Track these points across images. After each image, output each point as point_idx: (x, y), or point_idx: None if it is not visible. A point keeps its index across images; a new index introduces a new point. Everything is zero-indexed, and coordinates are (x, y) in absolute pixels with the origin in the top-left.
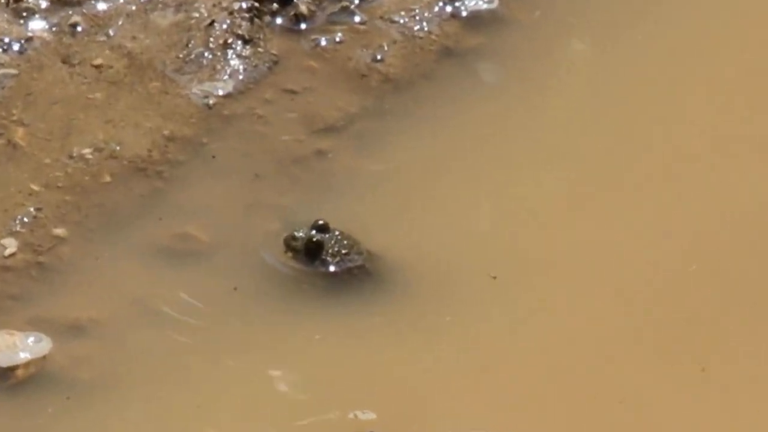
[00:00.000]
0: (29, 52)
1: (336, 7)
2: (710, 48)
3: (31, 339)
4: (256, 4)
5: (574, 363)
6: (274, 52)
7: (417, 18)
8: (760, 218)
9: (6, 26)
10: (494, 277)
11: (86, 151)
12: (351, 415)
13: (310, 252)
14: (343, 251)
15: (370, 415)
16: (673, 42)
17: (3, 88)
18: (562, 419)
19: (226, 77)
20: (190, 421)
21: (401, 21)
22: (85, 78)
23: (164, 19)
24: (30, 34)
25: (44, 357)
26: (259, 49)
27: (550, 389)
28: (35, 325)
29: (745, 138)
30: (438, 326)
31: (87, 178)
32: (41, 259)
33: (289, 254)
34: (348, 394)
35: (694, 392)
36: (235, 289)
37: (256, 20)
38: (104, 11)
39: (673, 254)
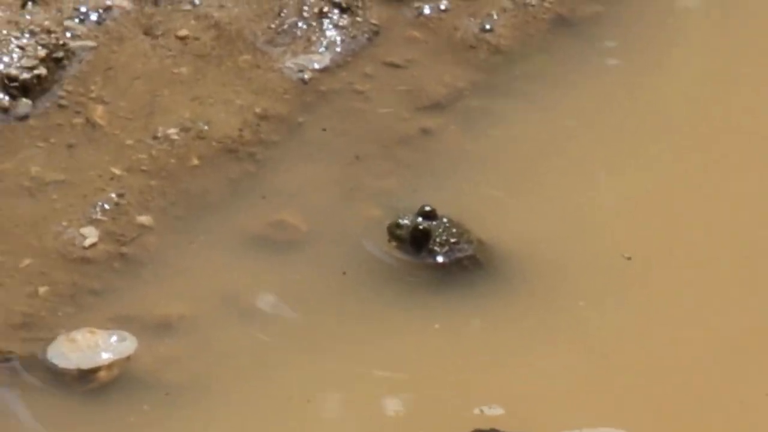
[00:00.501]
0: (108, 22)
1: None
2: None
3: (114, 338)
4: None
5: (705, 358)
6: (374, 21)
7: None
8: None
9: None
10: (629, 258)
11: (172, 131)
12: (477, 411)
13: (417, 241)
14: (452, 240)
15: (498, 411)
16: None
17: (81, 62)
18: (690, 415)
19: (322, 49)
20: (288, 426)
21: None
22: (169, 51)
23: None
24: (109, 3)
25: (128, 357)
26: (358, 18)
27: (676, 384)
28: (118, 322)
29: None
30: (557, 318)
31: (173, 160)
32: (124, 249)
33: (394, 243)
34: (469, 391)
35: None
36: (344, 273)
37: None
38: None
39: None
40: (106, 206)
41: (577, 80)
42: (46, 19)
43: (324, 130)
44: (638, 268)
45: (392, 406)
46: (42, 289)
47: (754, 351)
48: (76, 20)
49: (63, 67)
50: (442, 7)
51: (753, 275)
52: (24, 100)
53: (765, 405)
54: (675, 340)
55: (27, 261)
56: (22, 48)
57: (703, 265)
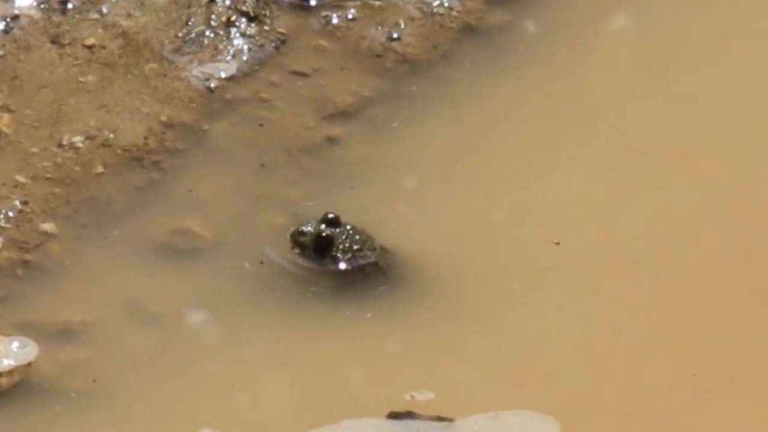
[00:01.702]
0: (15, 31)
1: None
2: (753, 23)
3: (15, 344)
4: None
5: (632, 342)
6: (281, 30)
7: None
8: None
9: None
10: (557, 243)
11: (77, 139)
12: (408, 397)
13: (320, 248)
14: (355, 247)
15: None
16: (714, 14)
17: None
18: (616, 398)
19: (229, 58)
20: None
21: None
22: (76, 59)
23: None
24: (16, 12)
25: (29, 364)
26: (265, 27)
27: (602, 368)
28: (20, 329)
29: None
30: (460, 327)
31: (78, 168)
32: (28, 257)
33: (297, 251)
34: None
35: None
36: (262, 262)
37: None
38: None
39: (731, 223)
40: (10, 213)
41: (484, 89)
42: None
43: (229, 138)
44: (553, 264)
45: (307, 398)
46: None
47: (680, 334)
48: None
49: None
50: (350, 16)
51: (677, 260)
52: None
53: (691, 386)
54: (597, 326)
55: None
56: None
57: (625, 259)
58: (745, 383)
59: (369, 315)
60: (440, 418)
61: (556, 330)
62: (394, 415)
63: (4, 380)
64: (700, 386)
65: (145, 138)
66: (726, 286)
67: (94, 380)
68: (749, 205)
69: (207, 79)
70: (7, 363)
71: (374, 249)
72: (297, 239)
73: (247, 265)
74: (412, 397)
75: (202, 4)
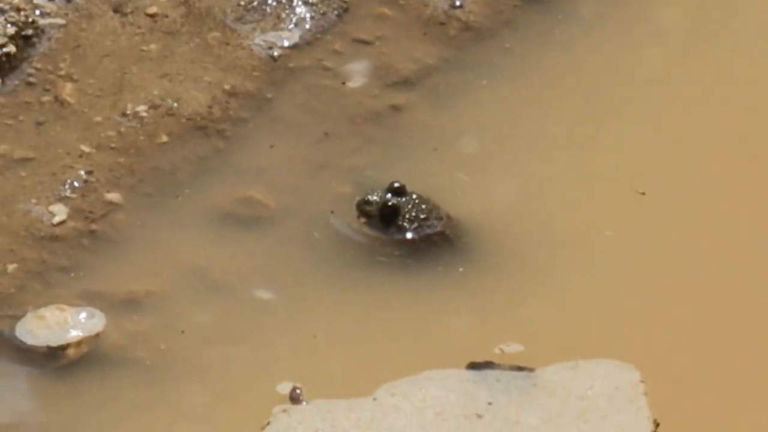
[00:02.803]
0: (77, 0)
1: None
2: None
3: (83, 315)
4: None
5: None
6: None
7: None
8: None
9: None
10: (643, 193)
11: (140, 108)
12: (497, 350)
13: (386, 217)
14: (422, 216)
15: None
16: None
17: (49, 39)
18: (694, 350)
19: (291, 26)
20: (258, 401)
21: None
22: (139, 28)
23: None
24: None
25: (97, 334)
26: None
27: (681, 322)
28: (87, 299)
29: None
30: (530, 295)
31: (142, 138)
32: (93, 227)
33: (363, 220)
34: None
35: None
36: (317, 235)
37: None
38: None
39: None
40: (75, 183)
41: (546, 56)
42: None
43: (293, 107)
44: (611, 239)
45: (386, 353)
46: (11, 267)
47: (763, 286)
48: None
49: (32, 45)
50: None
51: (760, 210)
52: None
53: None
54: (676, 277)
55: None
56: None
57: (679, 239)
58: None
59: (437, 284)
60: (520, 368)
61: (631, 282)
62: (474, 366)
63: (72, 351)
64: None
65: (209, 107)
66: None
67: (162, 349)
68: None
69: (270, 48)
70: (75, 333)
71: (440, 218)
72: (363, 208)
73: (315, 233)
74: (501, 350)
75: None
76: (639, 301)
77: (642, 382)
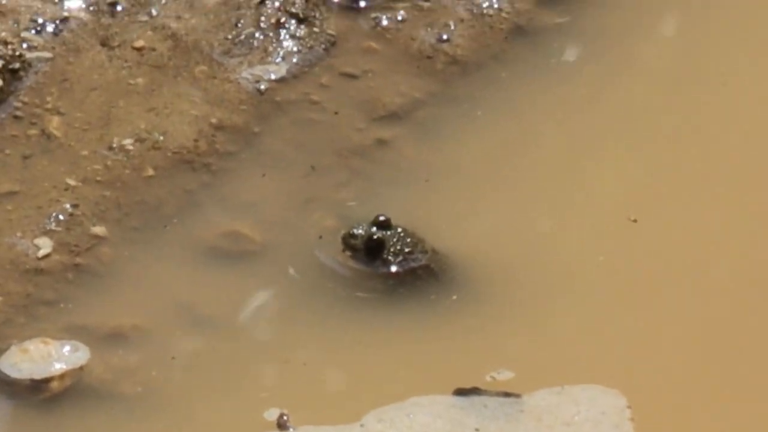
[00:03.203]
0: (65, 33)
1: None
2: None
3: (67, 348)
4: None
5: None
6: (331, 32)
7: None
8: None
9: (40, 5)
10: (635, 220)
11: (127, 141)
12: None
13: (371, 251)
14: (406, 250)
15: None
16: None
17: (37, 73)
18: (690, 370)
19: (278, 60)
20: (246, 429)
21: None
22: (126, 62)
23: None
24: (66, 14)
25: (81, 368)
26: (315, 29)
27: (667, 347)
28: (72, 333)
29: None
30: (510, 335)
31: (128, 171)
32: (78, 260)
33: (348, 253)
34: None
35: None
36: (292, 272)
37: None
38: None
39: None
40: (61, 217)
41: (534, 90)
42: (3, 30)
43: (280, 141)
44: (598, 268)
45: (370, 382)
46: None
47: (757, 315)
48: (33, 31)
49: (19, 79)
50: (400, 17)
51: (755, 238)
52: None
53: (761, 363)
54: (663, 305)
55: None
56: None
57: (670, 269)
58: None
59: (423, 316)
60: (507, 394)
61: (618, 309)
62: (461, 392)
63: (56, 384)
64: None
65: (195, 140)
66: None
67: (147, 384)
68: None
69: (257, 81)
70: (59, 366)
71: (425, 251)
72: (348, 242)
73: (299, 268)
74: (493, 378)
75: (252, 5)
76: (627, 327)
77: (629, 407)
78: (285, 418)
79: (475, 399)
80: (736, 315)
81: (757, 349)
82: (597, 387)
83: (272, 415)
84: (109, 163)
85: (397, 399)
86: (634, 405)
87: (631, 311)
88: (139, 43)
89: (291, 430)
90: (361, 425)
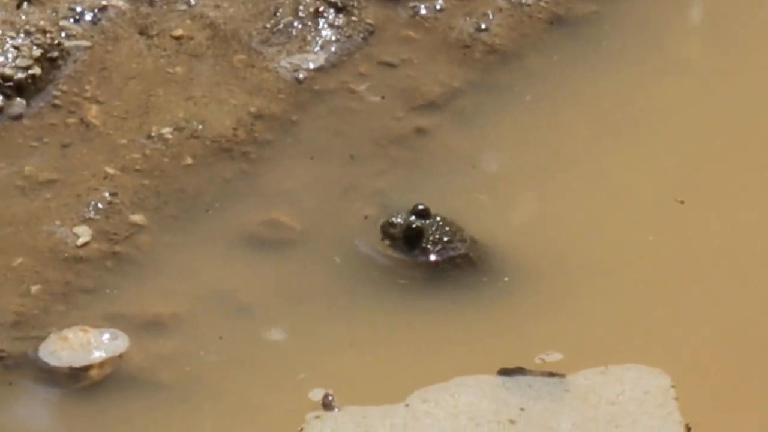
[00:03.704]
0: (103, 22)
1: None
2: None
3: (106, 336)
4: None
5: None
6: (369, 21)
7: None
8: None
9: None
10: (682, 202)
11: (166, 130)
12: (537, 360)
13: (410, 240)
14: (445, 239)
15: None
16: None
17: (75, 61)
18: (724, 359)
19: (317, 49)
20: (291, 409)
21: None
22: (164, 50)
23: None
24: (104, 3)
25: (120, 356)
26: (353, 18)
27: (711, 329)
28: (111, 321)
29: None
30: (555, 319)
31: (167, 160)
32: (117, 248)
33: (387, 242)
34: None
35: None
36: (338, 260)
37: None
38: None
39: None
40: (100, 205)
41: (573, 79)
42: (42, 19)
43: (318, 129)
44: (637, 250)
45: (416, 363)
46: (34, 288)
47: None
48: (72, 20)
49: (58, 67)
50: (438, 6)
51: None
52: (18, 99)
53: None
54: (703, 284)
55: (20, 260)
56: (17, 48)
57: (704, 260)
58: None
59: (465, 302)
60: (551, 374)
61: (662, 290)
62: (506, 372)
63: (95, 372)
64: None
65: (234, 129)
66: None
67: (187, 371)
68: None
69: (295, 70)
70: (98, 354)
71: (464, 240)
72: (387, 230)
73: (338, 256)
74: (542, 359)
75: None
76: (671, 308)
77: (673, 386)
78: (330, 398)
79: (520, 379)
80: None
81: None
82: (641, 367)
83: (317, 395)
84: (147, 151)
85: (442, 379)
86: (678, 384)
87: (675, 292)
88: (178, 32)
89: (336, 409)
90: (406, 405)
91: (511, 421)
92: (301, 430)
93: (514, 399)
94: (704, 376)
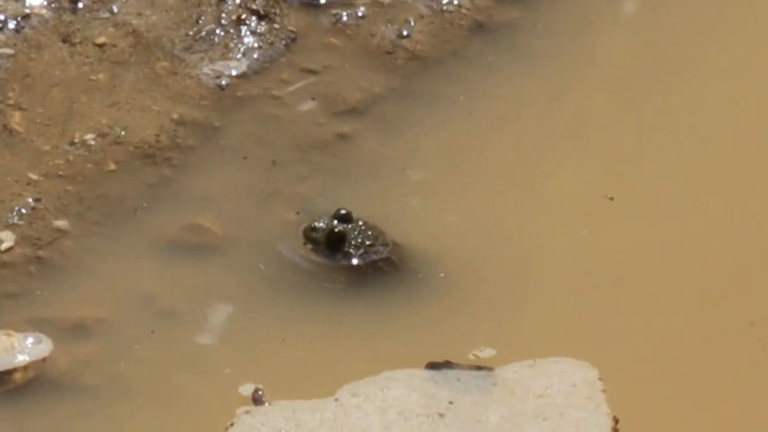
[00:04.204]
0: (26, 30)
1: None
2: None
3: (30, 340)
4: None
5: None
6: (291, 28)
7: None
8: None
9: (1, 2)
10: (611, 198)
11: (89, 136)
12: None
13: (332, 244)
14: (368, 242)
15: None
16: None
17: None
18: (659, 342)
19: (239, 56)
20: (220, 404)
21: None
22: (87, 58)
23: None
24: (27, 11)
25: (44, 359)
26: (276, 26)
27: (642, 319)
28: (35, 325)
29: None
30: (484, 316)
31: (90, 166)
32: (41, 253)
33: (309, 246)
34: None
35: None
36: (262, 267)
37: None
38: None
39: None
40: (23, 211)
41: (493, 85)
42: None
43: (241, 135)
44: (569, 253)
45: (342, 361)
46: None
47: (727, 286)
48: None
49: None
50: (360, 14)
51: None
52: None
53: (748, 335)
54: (631, 278)
55: None
56: None
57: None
58: None
59: (390, 303)
60: (479, 368)
61: (588, 285)
62: (434, 366)
63: (19, 375)
64: (751, 334)
65: (157, 135)
66: None
67: (111, 374)
68: None
69: (218, 77)
70: (22, 358)
71: (386, 244)
72: (309, 235)
73: (262, 260)
74: (476, 356)
75: (213, 2)
76: (599, 303)
77: (600, 379)
78: (260, 392)
79: (449, 373)
80: (708, 290)
81: (727, 322)
82: (568, 360)
83: (247, 390)
84: (71, 157)
85: (371, 374)
86: (605, 377)
87: (603, 287)
88: (101, 40)
89: (266, 404)
90: (336, 399)
91: (440, 415)
92: (231, 425)
93: (443, 392)
94: (631, 369)
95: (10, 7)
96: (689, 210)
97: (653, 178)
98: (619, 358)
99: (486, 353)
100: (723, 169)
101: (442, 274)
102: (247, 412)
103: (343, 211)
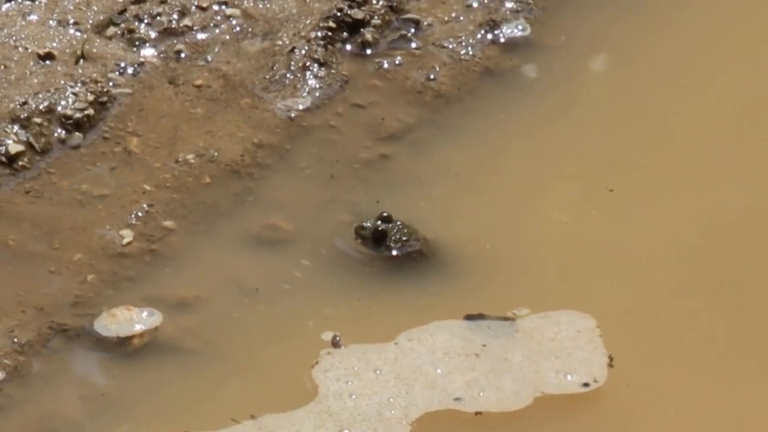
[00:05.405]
0: (141, 74)
1: (396, 35)
2: (722, 65)
3: (145, 313)
4: (330, 34)
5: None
6: (344, 73)
7: (463, 44)
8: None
9: (122, 53)
10: (611, 190)
11: (189, 156)
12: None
13: (376, 239)
14: (404, 238)
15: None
16: (686, 62)
17: (120, 105)
18: (655, 301)
19: (305, 94)
20: (307, 347)
21: (450, 46)
22: (188, 96)
23: (253, 46)
24: (142, 60)
25: (156, 328)
26: (332, 71)
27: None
28: (148, 301)
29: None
30: (491, 288)
31: (190, 179)
32: (153, 246)
33: (359, 241)
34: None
35: None
36: (323, 252)
37: (329, 47)
38: (203, 40)
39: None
40: (139, 214)
41: (501, 117)
42: (94, 72)
43: (306, 156)
44: (569, 264)
45: (397, 318)
46: (90, 277)
47: (717, 261)
48: (117, 73)
49: (107, 109)
50: (397, 62)
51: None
52: (77, 133)
53: (720, 293)
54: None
55: (78, 255)
56: (75, 94)
57: (643, 261)
58: None
59: (421, 285)
60: (505, 318)
61: (589, 259)
62: (470, 317)
63: (137, 341)
64: (730, 293)
65: (242, 155)
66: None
67: (208, 339)
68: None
69: (288, 111)
70: (139, 327)
71: (419, 240)
72: (359, 232)
73: (322, 251)
74: (514, 314)
75: (284, 53)
76: (596, 272)
77: (598, 327)
78: (338, 338)
79: (482, 322)
80: (692, 259)
81: (708, 282)
82: (573, 312)
83: (327, 336)
84: (176, 173)
85: (422, 324)
86: (602, 325)
87: (601, 260)
88: (198, 82)
89: (342, 347)
90: (396, 343)
91: (476, 355)
92: (317, 363)
93: (478, 337)
94: (623, 319)
95: (128, 57)
96: (680, 202)
97: (648, 172)
98: (613, 311)
99: (523, 312)
100: (714, 168)
101: (458, 265)
102: (329, 353)
103: (385, 214)
